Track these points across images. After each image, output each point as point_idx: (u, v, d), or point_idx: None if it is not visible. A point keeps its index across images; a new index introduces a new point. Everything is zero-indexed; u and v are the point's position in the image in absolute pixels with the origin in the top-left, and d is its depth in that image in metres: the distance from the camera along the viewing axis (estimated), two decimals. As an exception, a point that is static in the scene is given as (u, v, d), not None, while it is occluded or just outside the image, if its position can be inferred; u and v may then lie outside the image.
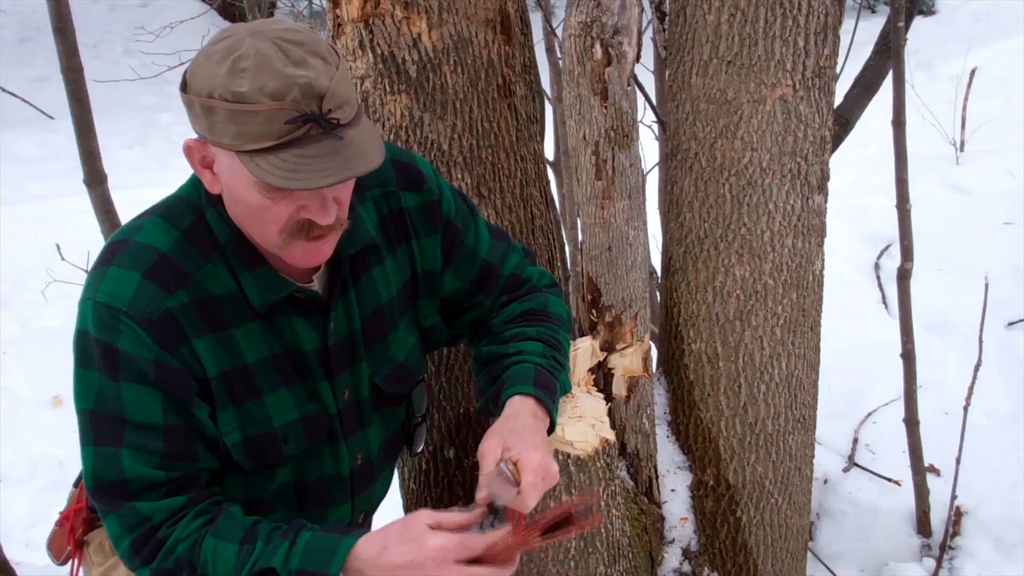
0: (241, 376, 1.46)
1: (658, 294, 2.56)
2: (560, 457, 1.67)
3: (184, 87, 1.33)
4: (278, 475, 1.55)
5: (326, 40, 1.35)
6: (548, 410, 1.56)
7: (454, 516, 1.36)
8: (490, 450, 1.45)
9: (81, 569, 1.72)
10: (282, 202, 1.34)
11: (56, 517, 1.73)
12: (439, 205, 1.64)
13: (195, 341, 1.41)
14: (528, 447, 1.44)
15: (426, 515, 1.36)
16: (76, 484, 1.74)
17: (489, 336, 1.70)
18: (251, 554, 1.37)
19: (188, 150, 1.38)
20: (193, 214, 1.44)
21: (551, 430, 1.59)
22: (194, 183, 1.48)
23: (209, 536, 1.39)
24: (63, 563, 1.73)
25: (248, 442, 1.48)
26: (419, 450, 1.82)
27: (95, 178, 2.63)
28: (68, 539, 1.70)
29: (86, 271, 1.49)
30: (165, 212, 1.45)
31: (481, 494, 1.41)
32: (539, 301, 1.74)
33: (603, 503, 1.77)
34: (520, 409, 1.53)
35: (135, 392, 1.38)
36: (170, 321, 1.38)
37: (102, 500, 1.41)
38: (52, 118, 8.19)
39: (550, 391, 1.58)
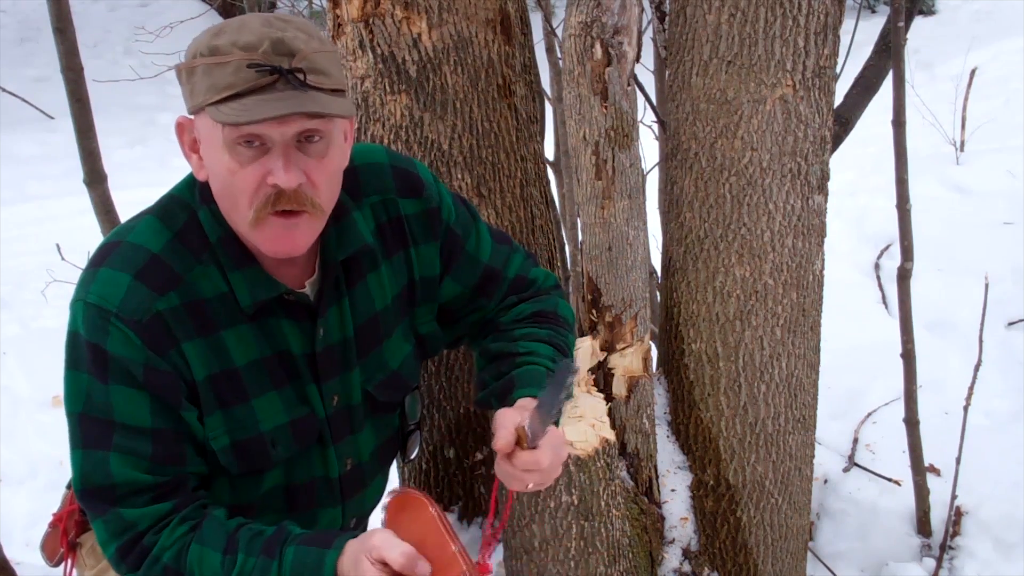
0: (229, 379, 1.45)
1: (658, 294, 2.56)
2: (560, 457, 1.67)
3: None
4: (267, 479, 1.54)
5: (327, 34, 1.37)
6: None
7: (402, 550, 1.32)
8: (508, 416, 1.42)
9: (74, 571, 1.71)
10: (249, 166, 1.33)
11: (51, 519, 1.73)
12: (439, 212, 1.63)
13: (184, 344, 1.40)
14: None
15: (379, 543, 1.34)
16: (69, 486, 1.74)
17: (496, 333, 1.68)
18: (233, 565, 1.38)
19: (179, 127, 1.41)
20: (186, 214, 1.44)
21: None
22: (188, 183, 1.48)
23: (194, 543, 1.40)
24: (56, 565, 1.73)
25: (236, 447, 1.47)
26: (412, 457, 1.81)
27: (95, 178, 2.62)
28: (61, 541, 1.69)
29: (86, 271, 1.49)
30: (160, 212, 1.45)
31: (499, 444, 1.38)
32: (549, 303, 1.73)
33: (603, 503, 1.77)
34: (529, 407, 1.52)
35: (124, 394, 1.38)
36: (160, 323, 1.38)
37: (89, 504, 1.41)
38: (52, 118, 8.19)
39: None
